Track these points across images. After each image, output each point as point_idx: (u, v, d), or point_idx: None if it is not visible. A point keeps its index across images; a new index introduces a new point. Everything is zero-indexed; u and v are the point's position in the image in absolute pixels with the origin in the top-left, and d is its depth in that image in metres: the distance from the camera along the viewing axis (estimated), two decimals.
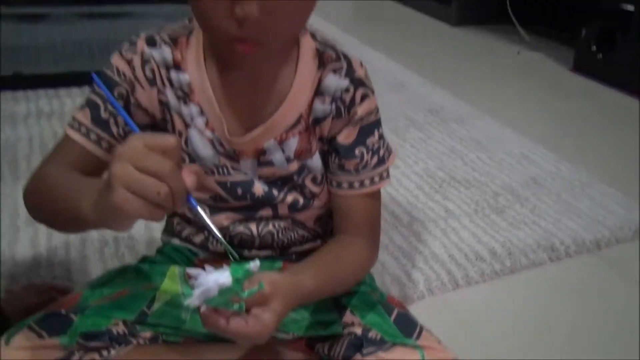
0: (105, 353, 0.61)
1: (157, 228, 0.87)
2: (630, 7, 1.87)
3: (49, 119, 1.39)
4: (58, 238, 0.98)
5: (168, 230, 0.79)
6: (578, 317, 0.93)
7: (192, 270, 0.50)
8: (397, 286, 0.93)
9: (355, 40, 2.22)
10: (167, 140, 0.46)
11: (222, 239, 0.52)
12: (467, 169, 1.33)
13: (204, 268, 0.52)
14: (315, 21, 2.29)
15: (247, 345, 0.66)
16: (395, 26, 2.63)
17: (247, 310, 0.52)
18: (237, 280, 0.49)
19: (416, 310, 0.71)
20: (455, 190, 1.23)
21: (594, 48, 2.02)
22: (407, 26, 2.63)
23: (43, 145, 1.27)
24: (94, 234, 1.00)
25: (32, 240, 0.97)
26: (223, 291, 0.48)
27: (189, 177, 0.46)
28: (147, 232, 1.00)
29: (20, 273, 0.90)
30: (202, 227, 0.72)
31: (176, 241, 0.76)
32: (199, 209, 0.49)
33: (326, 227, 0.76)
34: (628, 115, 1.76)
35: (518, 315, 0.93)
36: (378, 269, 0.95)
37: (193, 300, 0.49)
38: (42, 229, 1.00)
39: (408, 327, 0.69)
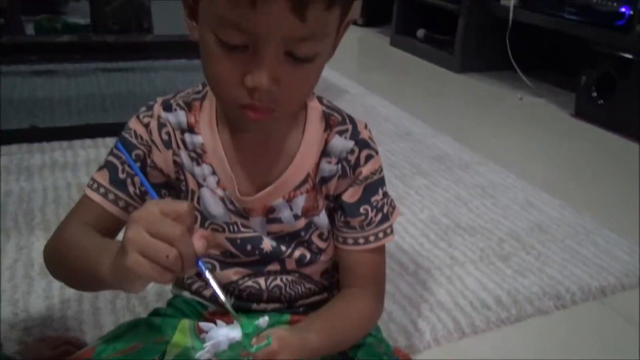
0: None
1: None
2: (628, 55, 1.92)
3: (63, 170, 1.43)
4: (71, 290, 1.00)
5: (178, 283, 0.81)
6: None
7: (204, 325, 0.52)
8: (404, 336, 0.93)
9: (363, 88, 2.28)
10: (181, 206, 0.49)
11: (229, 306, 0.52)
12: (472, 215, 1.35)
13: (214, 322, 0.54)
14: (325, 71, 2.37)
15: None
16: (401, 74, 2.69)
17: None
18: (246, 335, 0.51)
19: None
20: (460, 237, 1.25)
21: (594, 94, 2.07)
22: (413, 74, 2.70)
23: (57, 197, 1.30)
24: None
25: (45, 291, 0.99)
26: (233, 345, 0.50)
27: (198, 241, 0.49)
28: (158, 285, 1.02)
29: (33, 325, 0.91)
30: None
31: (186, 294, 0.78)
32: (207, 274, 0.51)
33: (332, 280, 0.78)
34: (630, 159, 1.78)
35: None
36: (384, 318, 0.96)
37: (204, 353, 0.50)
38: (55, 283, 1.02)
39: None
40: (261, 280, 0.72)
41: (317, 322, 0.66)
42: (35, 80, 2.05)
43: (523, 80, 2.46)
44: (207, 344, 0.50)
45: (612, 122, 2.01)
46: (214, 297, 0.75)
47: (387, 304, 1.02)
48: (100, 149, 1.56)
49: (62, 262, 0.64)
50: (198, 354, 0.51)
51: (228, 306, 0.51)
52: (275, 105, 0.56)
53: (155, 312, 0.78)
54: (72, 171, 1.43)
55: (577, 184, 1.59)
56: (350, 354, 0.73)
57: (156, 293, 0.99)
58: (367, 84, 2.34)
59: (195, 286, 0.76)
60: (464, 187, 1.49)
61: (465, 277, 1.11)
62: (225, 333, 0.50)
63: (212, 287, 0.52)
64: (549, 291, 1.08)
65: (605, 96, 2.04)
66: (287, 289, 0.73)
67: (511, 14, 2.39)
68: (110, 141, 1.66)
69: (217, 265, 0.72)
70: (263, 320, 0.52)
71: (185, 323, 0.73)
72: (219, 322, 0.52)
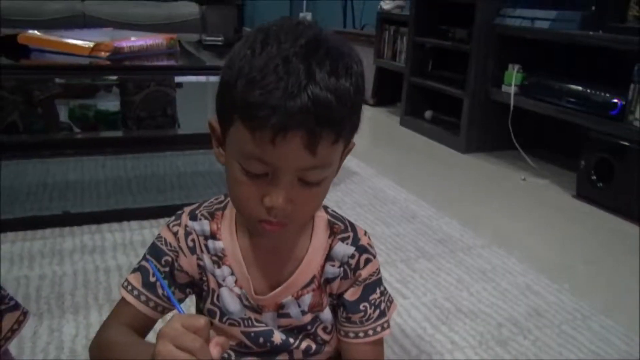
0: None
1: None
2: (623, 142, 2.03)
3: (92, 254, 1.55)
4: None
5: None
6: None
7: None
8: None
9: (372, 170, 2.40)
10: (199, 322, 0.60)
11: None
12: (473, 299, 1.42)
13: None
14: None
15: None
16: (410, 154, 2.83)
17: None
18: None
19: None
20: (461, 322, 1.32)
21: (593, 177, 2.17)
22: (420, 154, 2.83)
23: (86, 281, 1.41)
24: None
25: None
26: None
27: (215, 348, 0.59)
28: None
29: None
30: None
31: None
32: None
33: None
34: (629, 242, 1.85)
35: None
36: None
37: None
38: None
39: None
40: None
41: None
42: (68, 165, 2.21)
43: (526, 161, 2.57)
44: None
45: (612, 204, 2.09)
46: None
47: None
48: (126, 232, 1.68)
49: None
50: None
51: None
52: (288, 221, 0.68)
53: None
54: (100, 255, 1.54)
55: (576, 267, 1.66)
56: None
57: None
58: (376, 164, 2.47)
59: None
60: (466, 271, 1.57)
61: None
62: None
63: None
64: None
65: (604, 179, 2.13)
66: None
67: (512, 100, 2.54)
68: (135, 224, 1.80)
69: (233, 355, 0.81)
70: None
71: None
72: None
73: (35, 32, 1.77)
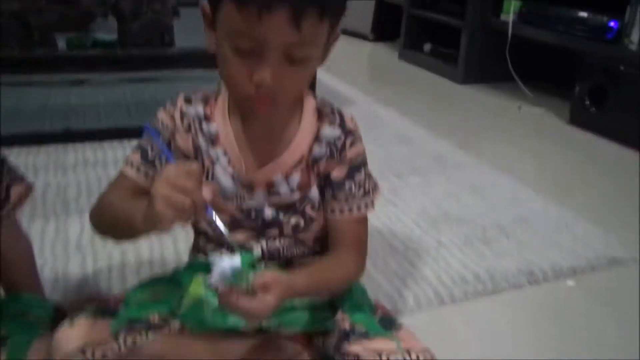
0: (144, 337, 0.77)
1: (184, 252, 1.04)
2: (618, 66, 2.04)
3: (94, 167, 1.60)
4: (102, 262, 1.16)
5: (195, 249, 0.96)
6: (553, 335, 1.05)
7: (212, 258, 0.66)
8: (389, 302, 1.07)
9: (369, 98, 2.43)
10: (192, 166, 0.64)
11: (228, 237, 0.67)
12: (461, 209, 1.48)
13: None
14: (335, 83, 2.52)
15: (253, 323, 0.79)
16: (407, 85, 2.85)
17: (253, 294, 0.69)
18: (245, 263, 0.65)
19: (404, 322, 0.84)
20: (447, 226, 1.38)
21: (587, 103, 2.19)
22: (418, 85, 2.85)
23: (89, 189, 1.47)
24: (131, 258, 1.18)
25: (80, 263, 1.15)
26: (234, 272, 0.64)
27: (207, 193, 0.64)
28: (177, 256, 1.17)
29: (70, 288, 1.07)
30: (222, 243, 0.89)
31: (201, 257, 0.93)
32: (214, 215, 0.66)
33: (323, 246, 0.92)
34: (618, 163, 1.90)
35: (497, 331, 1.06)
36: (373, 288, 1.09)
37: (212, 278, 0.65)
38: (89, 255, 1.18)
39: (389, 325, 0.84)
40: (263, 242, 0.87)
41: (305, 270, 0.82)
42: (70, 90, 2.24)
43: (523, 91, 2.59)
44: (215, 272, 0.65)
45: (604, 129, 2.13)
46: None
47: (376, 276, 1.16)
48: (126, 149, 1.72)
49: (104, 220, 0.80)
50: (209, 281, 0.66)
51: (227, 237, 0.66)
52: (276, 97, 0.72)
53: (176, 270, 0.93)
54: (102, 168, 1.59)
55: (565, 183, 1.72)
56: (337, 304, 0.88)
57: (175, 262, 1.14)
58: (374, 94, 2.50)
59: (208, 249, 0.91)
60: (455, 185, 1.62)
61: (449, 258, 1.24)
62: (228, 263, 0.64)
63: (214, 224, 0.66)
64: (523, 269, 1.21)
65: (598, 105, 2.16)
66: (285, 251, 0.88)
67: (510, 29, 2.53)
68: (135, 141, 1.84)
69: (227, 230, 0.87)
70: (256, 251, 0.66)
71: (199, 278, 0.88)
72: (224, 254, 0.66)
73: None
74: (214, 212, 0.65)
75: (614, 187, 1.71)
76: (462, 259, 1.24)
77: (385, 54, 3.52)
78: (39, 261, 1.12)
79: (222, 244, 0.89)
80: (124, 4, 2.50)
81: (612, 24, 2.09)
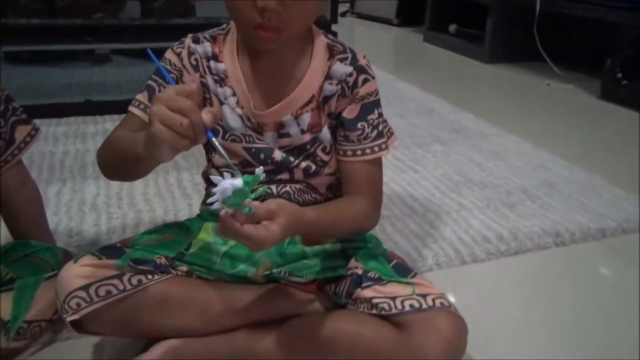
0: (149, 277, 0.76)
1: (197, 211, 1.02)
2: None
3: None
4: (116, 221, 1.15)
5: (205, 202, 0.94)
6: (582, 296, 1.00)
7: (213, 178, 0.63)
8: (408, 260, 1.03)
9: (393, 77, 2.37)
10: (190, 86, 0.61)
11: (229, 160, 0.64)
12: (484, 174, 1.43)
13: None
14: None
15: (255, 251, 0.75)
16: (432, 65, 2.79)
17: (258, 223, 0.65)
18: (246, 183, 0.61)
19: None
20: (469, 190, 1.34)
21: (619, 75, 2.11)
22: (443, 65, 2.79)
23: None
24: (145, 218, 1.16)
25: (95, 221, 1.15)
26: (236, 192, 0.61)
27: (206, 114, 0.60)
28: (189, 211, 1.16)
29: (84, 244, 1.06)
30: None
31: (211, 208, 0.91)
32: (214, 139, 0.63)
33: (336, 194, 0.88)
34: None
35: (521, 291, 1.01)
36: (391, 246, 1.06)
37: (213, 200, 0.62)
38: (104, 215, 1.17)
39: (403, 271, 0.80)
40: (273, 187, 0.84)
41: (316, 206, 0.79)
42: (92, 69, 2.27)
43: (551, 70, 2.51)
44: (216, 190, 0.61)
45: (636, 101, 2.04)
46: None
47: (394, 236, 1.12)
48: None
49: (111, 157, 0.78)
50: (209, 200, 0.63)
51: (228, 160, 0.63)
52: (283, 26, 0.69)
53: (186, 220, 0.91)
54: None
55: (593, 152, 1.65)
56: (349, 252, 0.84)
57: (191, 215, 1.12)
58: (397, 73, 2.45)
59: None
60: (478, 153, 1.57)
61: (470, 219, 1.20)
62: (230, 182, 0.61)
63: (215, 147, 0.63)
64: (548, 230, 1.16)
65: (630, 77, 2.07)
66: (295, 195, 0.85)
67: (538, 4, 2.46)
68: None
69: (227, 154, 0.84)
70: (259, 170, 0.63)
71: (209, 224, 0.86)
72: (225, 174, 0.62)
73: None
74: (214, 136, 0.62)
75: None
76: (483, 220, 1.19)
77: (410, 37, 3.46)
78: (53, 219, 1.13)
79: None
80: None
81: None
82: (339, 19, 2.85)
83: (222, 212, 0.62)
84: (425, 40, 3.26)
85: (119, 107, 1.75)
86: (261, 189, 0.63)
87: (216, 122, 0.62)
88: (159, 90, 0.81)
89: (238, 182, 0.61)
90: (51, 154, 1.46)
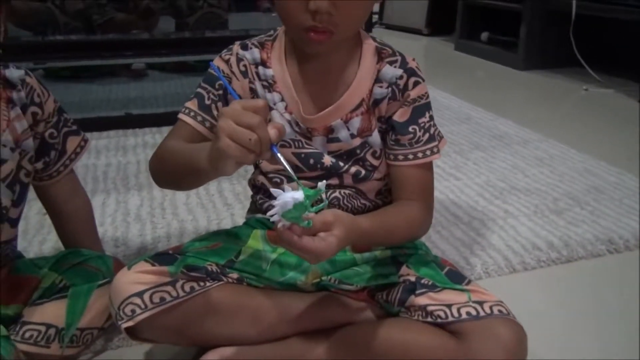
0: (202, 284, 0.75)
1: (241, 222, 1.01)
2: None
3: (153, 148, 1.59)
4: (161, 230, 1.16)
5: (251, 210, 0.94)
6: (636, 305, 0.96)
7: (273, 190, 0.63)
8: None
9: (428, 85, 2.35)
10: (258, 102, 0.61)
11: (292, 173, 0.64)
12: (529, 180, 1.40)
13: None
14: None
15: (313, 263, 0.74)
16: (465, 73, 2.77)
17: (314, 234, 0.64)
18: (307, 197, 0.61)
19: None
20: (515, 197, 1.31)
21: None
22: (476, 72, 2.76)
23: (147, 167, 1.48)
24: (189, 227, 1.17)
25: (140, 231, 1.15)
26: (297, 206, 0.60)
27: (272, 130, 0.60)
28: (234, 220, 1.16)
29: (130, 254, 1.07)
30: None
31: (258, 215, 0.91)
32: (278, 154, 0.63)
33: (386, 201, 0.87)
34: None
35: (576, 300, 0.97)
36: (438, 255, 1.03)
37: (273, 212, 0.61)
38: (148, 225, 1.18)
39: (457, 278, 0.78)
40: (319, 184, 0.83)
41: (370, 214, 0.77)
42: (129, 85, 2.31)
43: (588, 75, 2.46)
44: (276, 204, 0.61)
45: None
46: None
47: (441, 244, 1.10)
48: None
49: (165, 167, 0.78)
50: (268, 213, 0.62)
51: (292, 173, 0.62)
52: (334, 28, 0.69)
53: (234, 228, 0.91)
54: None
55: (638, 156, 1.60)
56: (401, 259, 0.83)
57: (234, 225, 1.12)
58: (431, 82, 2.41)
59: (265, 205, 0.88)
60: (521, 159, 1.54)
61: (518, 226, 1.17)
62: (291, 195, 0.60)
63: (280, 162, 0.63)
64: (601, 237, 1.12)
65: None
66: (345, 201, 0.84)
67: (574, 8, 2.41)
68: None
69: (285, 179, 0.84)
70: (321, 184, 0.62)
71: (258, 232, 0.85)
72: (286, 187, 0.62)
73: None
74: (278, 152, 0.62)
75: None
76: (532, 228, 1.16)
77: (441, 46, 3.45)
78: (99, 229, 1.13)
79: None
80: (181, 1, 2.56)
81: None
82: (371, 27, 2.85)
83: (280, 225, 0.61)
84: (457, 48, 3.24)
85: (157, 119, 1.79)
86: (322, 203, 0.63)
87: (282, 137, 0.62)
88: (208, 97, 0.81)
89: (299, 195, 0.60)
90: (94, 167, 1.49)
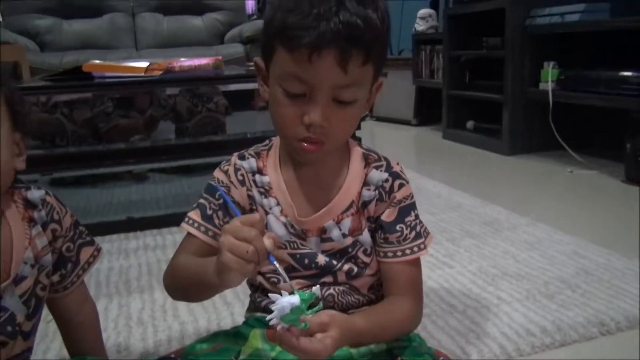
0: None
1: (240, 322, 1.05)
2: None
3: (154, 250, 1.67)
4: (163, 333, 1.18)
5: (250, 309, 0.98)
6: None
7: (271, 295, 0.68)
8: (452, 357, 1.03)
9: (418, 175, 2.44)
10: (254, 216, 0.69)
11: (288, 280, 0.70)
12: (519, 265, 1.44)
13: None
14: None
15: None
16: (453, 160, 2.88)
17: (311, 335, 0.69)
18: (303, 301, 0.66)
19: None
20: (507, 282, 1.34)
21: None
22: (464, 159, 2.87)
23: (149, 270, 1.52)
24: (189, 329, 1.19)
25: (142, 335, 1.18)
26: (294, 309, 0.66)
27: (267, 240, 0.68)
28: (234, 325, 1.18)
29: (133, 359, 1.09)
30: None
31: (257, 314, 0.94)
32: (275, 262, 0.69)
33: (378, 294, 0.92)
34: None
35: None
36: (434, 344, 1.06)
37: (272, 317, 0.66)
38: (150, 329, 1.20)
39: None
40: (313, 288, 0.87)
41: (364, 313, 0.82)
42: (131, 187, 2.39)
43: (572, 157, 2.56)
44: (274, 308, 0.66)
45: None
46: None
47: (437, 334, 1.12)
48: (184, 232, 1.80)
49: (177, 283, 0.85)
50: (268, 317, 0.67)
51: (286, 279, 0.68)
52: (325, 139, 0.77)
53: (233, 328, 0.94)
54: (161, 250, 1.66)
55: (627, 236, 1.64)
56: (396, 352, 0.86)
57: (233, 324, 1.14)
58: (421, 171, 2.52)
59: (263, 303, 0.92)
60: (511, 244, 1.59)
61: (511, 313, 1.19)
62: (287, 300, 0.66)
63: (278, 270, 0.69)
64: (592, 320, 1.14)
65: None
66: (339, 297, 0.88)
67: (551, 97, 2.56)
68: None
69: (281, 279, 0.88)
70: (316, 288, 0.68)
71: (257, 331, 0.89)
72: (283, 292, 0.67)
73: (97, 61, 1.97)
74: (275, 260, 0.68)
75: None
76: (525, 313, 1.19)
77: (429, 135, 3.59)
78: (102, 335, 1.16)
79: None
80: (181, 107, 2.71)
81: None
82: (360, 124, 2.98)
83: (279, 328, 0.66)
84: (445, 137, 3.38)
85: (159, 222, 1.85)
86: (318, 305, 0.68)
87: (277, 246, 0.68)
88: (210, 208, 0.88)
89: (295, 300, 0.65)
90: (97, 271, 1.53)
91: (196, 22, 4.11)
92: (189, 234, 0.88)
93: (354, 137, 1.94)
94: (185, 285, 0.83)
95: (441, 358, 0.85)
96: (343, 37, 0.70)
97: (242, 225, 0.67)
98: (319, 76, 0.72)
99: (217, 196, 0.88)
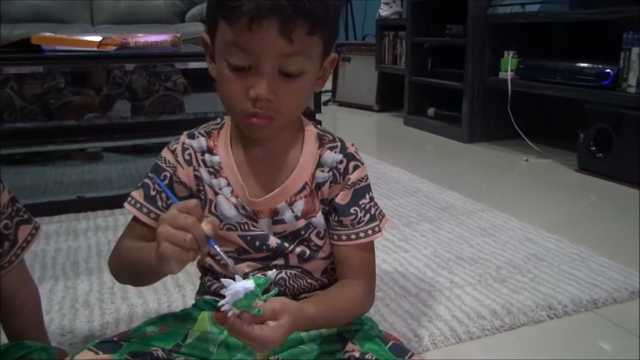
0: None
1: (192, 303, 1.02)
2: (619, 109, 2.07)
3: (105, 231, 1.62)
4: (109, 316, 1.15)
5: (200, 291, 0.95)
6: None
7: (224, 280, 0.66)
8: (404, 340, 1.03)
9: (378, 160, 2.44)
10: (190, 203, 0.68)
11: (232, 265, 0.69)
12: (473, 250, 1.46)
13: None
14: None
15: (262, 355, 0.77)
16: (413, 147, 2.89)
17: (262, 323, 0.67)
18: (258, 285, 0.65)
19: None
20: (460, 267, 1.36)
21: (593, 148, 2.20)
22: (424, 146, 2.89)
23: (99, 251, 1.47)
24: (139, 311, 1.16)
25: (87, 318, 1.14)
26: (248, 295, 0.64)
27: (206, 226, 0.66)
28: (183, 302, 1.15)
29: (77, 342, 1.05)
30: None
31: (207, 297, 0.92)
32: (216, 246, 0.67)
33: (331, 279, 0.90)
34: (628, 203, 1.88)
35: None
36: (386, 327, 1.06)
37: (225, 302, 0.64)
38: (97, 311, 1.17)
39: (401, 352, 0.81)
40: (268, 273, 0.86)
41: (314, 299, 0.80)
42: (83, 167, 2.32)
43: (528, 146, 2.61)
44: (227, 294, 0.64)
45: (614, 172, 2.12)
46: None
47: (389, 317, 1.12)
48: None
49: (122, 268, 0.83)
50: (220, 303, 0.65)
51: (229, 262, 0.66)
52: (274, 113, 0.74)
53: (183, 311, 0.92)
54: (112, 231, 1.61)
55: (577, 224, 1.69)
56: (347, 335, 0.85)
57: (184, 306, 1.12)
58: (381, 157, 2.53)
59: (213, 287, 0.90)
60: (466, 229, 1.61)
61: (463, 296, 1.21)
62: (242, 284, 0.64)
63: (218, 252, 0.67)
64: (541, 304, 1.17)
65: (604, 150, 2.16)
66: (291, 281, 0.87)
67: (510, 85, 2.60)
68: None
69: (232, 261, 0.86)
70: (272, 273, 0.67)
71: (205, 314, 0.87)
72: (237, 277, 0.65)
73: (47, 33, 1.89)
74: (216, 245, 0.66)
75: (626, 225, 1.67)
76: (477, 297, 1.20)
77: (391, 121, 3.60)
78: (45, 318, 1.11)
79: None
80: (137, 85, 2.63)
81: (608, 70, 2.13)
82: (322, 107, 2.96)
83: (230, 314, 0.64)
84: (406, 123, 3.39)
85: (111, 202, 1.80)
86: (273, 290, 0.66)
87: (216, 230, 0.66)
88: (154, 188, 0.85)
89: (249, 284, 0.63)
90: (43, 252, 1.47)
91: None
92: (133, 218, 0.85)
93: (314, 119, 1.92)
94: (129, 270, 0.81)
95: (392, 341, 0.84)
96: (284, 4, 0.67)
97: (178, 213, 0.66)
98: (260, 45, 0.69)
99: (162, 176, 0.85)
